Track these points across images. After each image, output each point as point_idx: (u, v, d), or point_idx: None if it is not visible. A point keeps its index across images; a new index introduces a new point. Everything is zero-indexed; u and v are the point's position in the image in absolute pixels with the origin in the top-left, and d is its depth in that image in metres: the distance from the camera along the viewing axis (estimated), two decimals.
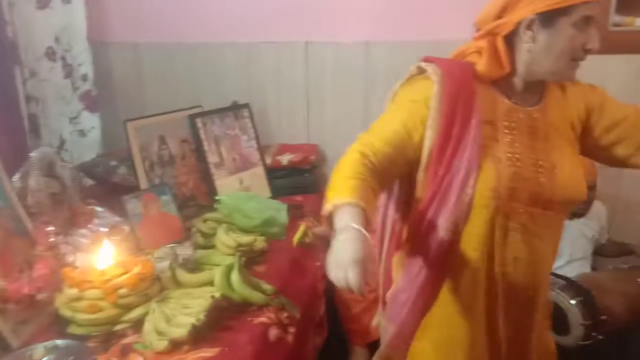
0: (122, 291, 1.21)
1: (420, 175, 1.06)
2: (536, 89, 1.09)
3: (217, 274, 1.29)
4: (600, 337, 1.50)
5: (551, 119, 1.08)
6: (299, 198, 2.00)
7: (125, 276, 1.23)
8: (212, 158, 1.89)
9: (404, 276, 1.12)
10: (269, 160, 2.08)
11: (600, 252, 2.04)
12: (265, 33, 2.18)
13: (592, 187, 1.86)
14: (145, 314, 1.20)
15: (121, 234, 1.50)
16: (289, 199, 1.94)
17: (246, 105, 2.06)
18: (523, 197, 1.03)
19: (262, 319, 1.25)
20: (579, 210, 1.88)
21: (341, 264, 0.82)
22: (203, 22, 2.22)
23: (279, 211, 1.72)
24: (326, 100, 2.23)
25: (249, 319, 1.25)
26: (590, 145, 1.13)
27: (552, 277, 1.57)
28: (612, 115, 1.11)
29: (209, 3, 2.20)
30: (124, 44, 2.30)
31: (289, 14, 2.16)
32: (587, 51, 1.01)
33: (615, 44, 1.89)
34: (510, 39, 1.03)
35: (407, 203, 1.14)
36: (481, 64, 1.04)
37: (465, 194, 1.01)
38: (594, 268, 1.96)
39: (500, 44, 1.03)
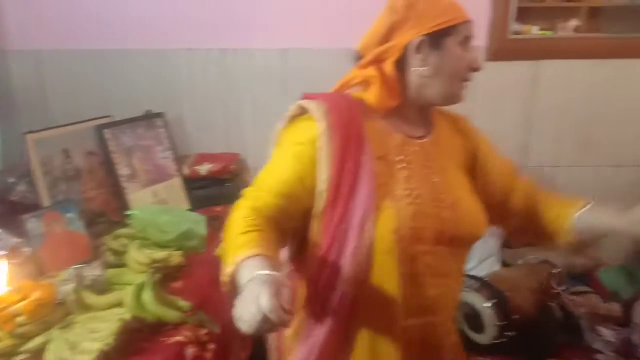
0: (20, 319, 1.13)
1: (315, 224, 0.96)
2: (425, 119, 1.05)
3: (127, 294, 1.22)
4: (512, 334, 1.57)
5: (444, 150, 1.04)
6: (219, 209, 1.94)
7: (22, 303, 1.14)
8: (123, 170, 1.80)
9: (302, 346, 0.99)
10: (186, 171, 2.01)
11: (507, 244, 2.11)
12: (178, 40, 2.11)
13: None
14: (47, 342, 1.11)
15: (21, 256, 1.38)
16: (210, 210, 1.88)
17: (160, 115, 1.99)
18: (427, 236, 0.95)
19: (178, 338, 1.20)
20: None
21: (250, 300, 0.71)
22: (111, 29, 2.11)
23: (197, 223, 1.66)
24: (245, 108, 2.18)
25: (164, 339, 1.19)
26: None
27: (467, 278, 1.62)
28: (494, 172, 1.09)
29: (117, 9, 2.09)
30: (24, 51, 2.13)
31: (202, 20, 2.10)
32: (474, 70, 0.99)
33: (515, 51, 2.00)
34: (399, 64, 0.98)
35: (297, 260, 1.04)
36: (371, 95, 0.98)
37: (364, 237, 0.91)
38: (504, 262, 2.04)
39: (390, 69, 0.97)
